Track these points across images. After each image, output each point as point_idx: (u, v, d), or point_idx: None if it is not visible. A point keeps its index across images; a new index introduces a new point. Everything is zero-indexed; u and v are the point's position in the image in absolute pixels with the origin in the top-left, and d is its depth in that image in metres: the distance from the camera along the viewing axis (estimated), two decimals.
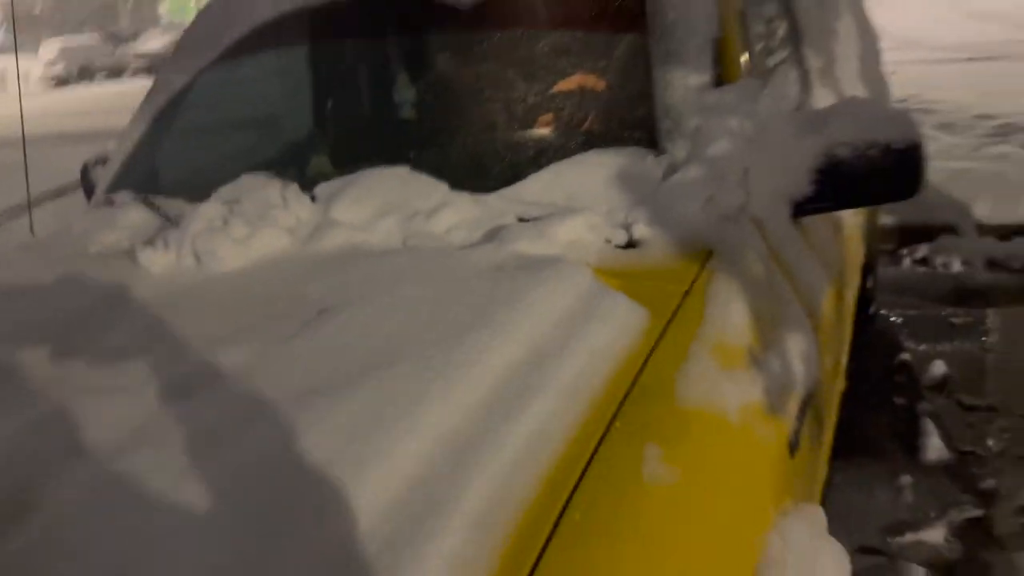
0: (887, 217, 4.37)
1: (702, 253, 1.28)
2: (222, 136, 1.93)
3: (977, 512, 2.42)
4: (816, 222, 1.64)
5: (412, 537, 0.71)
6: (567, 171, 1.39)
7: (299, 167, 1.67)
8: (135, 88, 24.71)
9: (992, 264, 4.10)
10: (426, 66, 1.74)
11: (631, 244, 1.30)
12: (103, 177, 1.99)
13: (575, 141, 1.49)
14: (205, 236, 1.32)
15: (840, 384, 1.89)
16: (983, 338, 3.44)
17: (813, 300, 1.40)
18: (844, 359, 1.99)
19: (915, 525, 2.38)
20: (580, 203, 1.33)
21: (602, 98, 1.60)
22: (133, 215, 1.66)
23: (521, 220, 1.31)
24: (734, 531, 0.91)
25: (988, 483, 2.54)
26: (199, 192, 1.54)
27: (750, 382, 1.07)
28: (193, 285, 1.28)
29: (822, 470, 1.51)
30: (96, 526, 0.77)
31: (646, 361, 1.02)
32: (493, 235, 1.29)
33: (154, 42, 33.67)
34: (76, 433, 0.89)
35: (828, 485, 2.55)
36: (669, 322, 1.10)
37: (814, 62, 2.13)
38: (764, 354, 1.14)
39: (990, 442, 2.74)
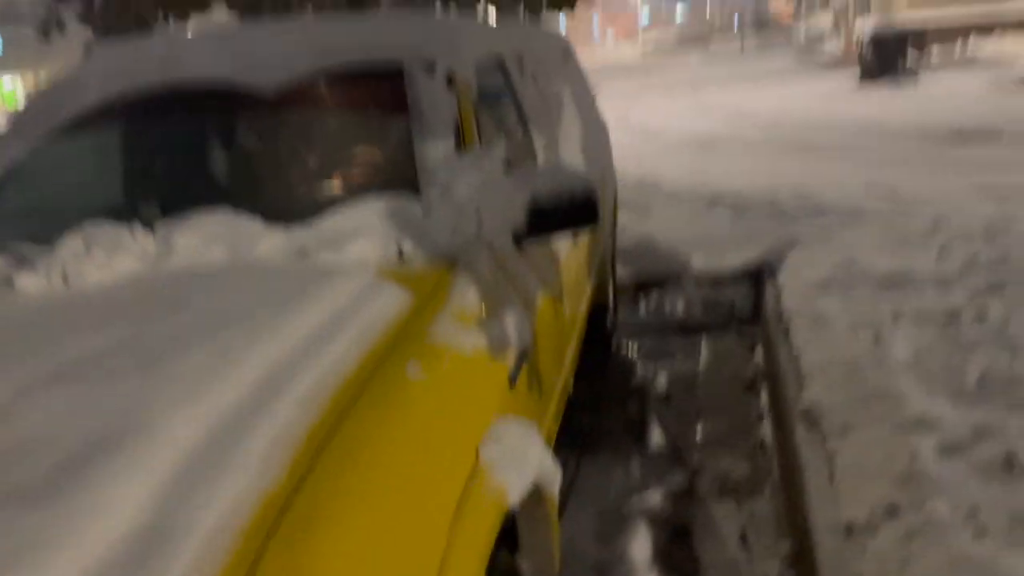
0: (627, 271, 5.29)
1: (450, 264, 1.86)
2: (55, 200, 2.28)
3: (684, 480, 3.14)
4: (537, 254, 2.28)
5: (250, 413, 1.20)
6: (354, 210, 1.93)
7: (129, 220, 2.07)
8: None
9: (706, 305, 5.08)
10: (240, 138, 2.24)
11: (402, 257, 1.86)
12: None
13: (359, 190, 2.04)
14: (72, 262, 1.72)
15: (565, 371, 2.52)
16: (696, 361, 4.32)
17: (529, 298, 2.03)
18: (569, 354, 2.64)
19: (640, 491, 3.06)
20: (364, 231, 1.87)
21: (377, 160, 2.17)
22: None
23: (320, 243, 1.83)
24: (464, 414, 1.47)
25: (695, 460, 3.29)
26: (40, 241, 1.92)
27: (477, 336, 1.65)
28: (65, 297, 1.67)
29: (545, 423, 2.10)
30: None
31: (407, 320, 1.56)
32: (300, 253, 1.80)
33: None
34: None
35: (577, 470, 3.19)
36: (425, 301, 1.66)
37: (538, 143, 2.84)
38: (489, 323, 1.73)
39: (697, 435, 3.52)
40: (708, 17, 65.33)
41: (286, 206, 2.02)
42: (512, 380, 1.74)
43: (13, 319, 1.59)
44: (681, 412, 3.72)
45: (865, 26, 17.23)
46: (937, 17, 18.45)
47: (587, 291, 3.24)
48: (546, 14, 7.82)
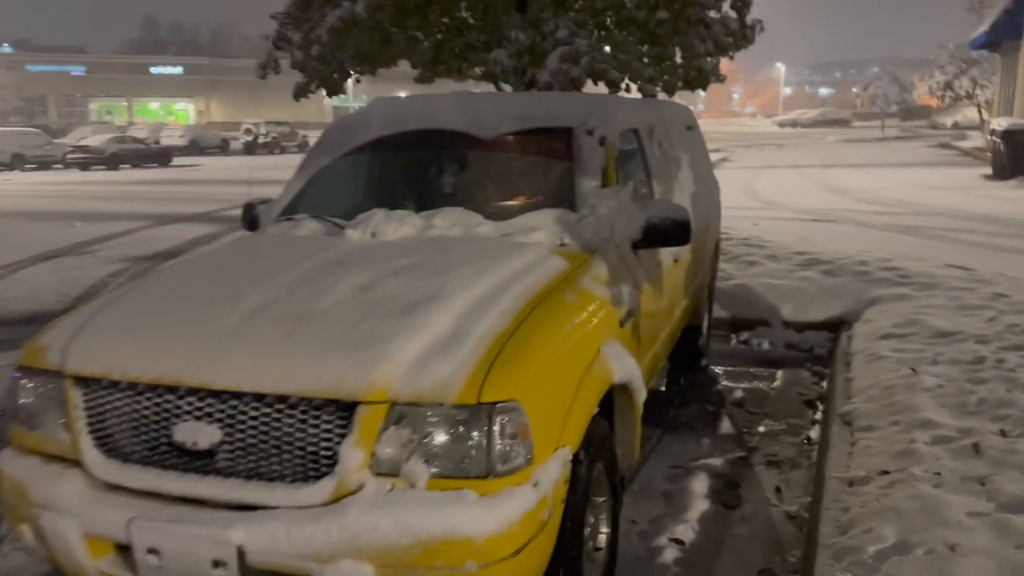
0: (723, 312, 6.30)
1: (592, 252, 3.02)
2: (348, 192, 3.61)
3: (742, 454, 4.14)
4: (647, 261, 3.41)
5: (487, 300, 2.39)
6: (538, 215, 3.11)
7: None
8: (64, 178, 25.91)
9: (788, 346, 6.02)
10: (467, 166, 3.51)
11: (563, 245, 3.03)
12: (269, 210, 3.61)
13: (538, 204, 3.25)
14: (379, 225, 2.99)
15: (656, 346, 3.61)
16: (771, 383, 5.28)
17: (637, 282, 3.16)
18: (661, 338, 3.73)
19: (706, 458, 4.08)
20: (541, 227, 3.06)
21: (552, 187, 3.38)
22: (311, 224, 3.30)
23: (515, 231, 3.03)
24: (595, 325, 2.61)
25: (752, 443, 4.28)
26: (343, 216, 3.22)
27: (605, 290, 2.80)
28: (375, 243, 2.94)
29: (641, 365, 3.20)
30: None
31: (566, 274, 2.73)
32: (506, 235, 3.00)
33: (91, 140, 34.72)
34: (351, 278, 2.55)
35: (660, 439, 4.23)
36: (575, 267, 2.82)
37: (657, 189, 3.98)
38: (610, 286, 2.88)
39: (759, 428, 4.51)
40: (852, 100, 65.14)
41: (493, 210, 3.25)
42: (621, 324, 2.87)
43: (353, 250, 2.86)
44: (749, 414, 4.72)
45: (999, 124, 17.52)
46: None
47: (682, 304, 4.32)
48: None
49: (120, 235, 12.16)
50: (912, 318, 5.50)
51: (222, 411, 2.16)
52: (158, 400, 2.21)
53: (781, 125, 69.34)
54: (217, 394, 2.16)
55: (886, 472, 3.35)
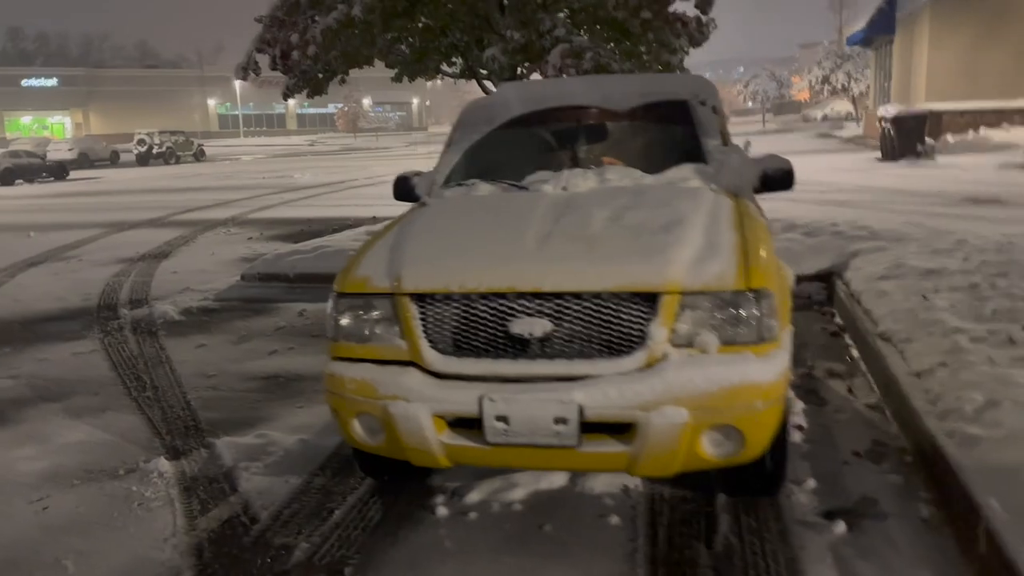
0: None
1: (735, 194, 3.77)
2: (506, 160, 4.23)
3: (806, 370, 4.99)
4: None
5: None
6: (681, 169, 3.83)
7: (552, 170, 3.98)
8: None
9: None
10: (608, 132, 4.20)
11: (713, 189, 3.76)
12: (427, 181, 4.18)
13: (673, 161, 3.96)
14: (569, 180, 3.65)
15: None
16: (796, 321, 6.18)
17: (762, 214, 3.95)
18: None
19: None
20: (692, 177, 3.78)
21: (682, 147, 4.11)
22: (486, 187, 3.91)
23: (675, 180, 3.75)
24: (767, 230, 3.38)
25: (809, 362, 5.14)
26: (502, 179, 3.86)
27: (762, 218, 3.57)
28: (571, 194, 3.58)
29: None
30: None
31: (740, 208, 3.46)
32: (669, 182, 3.72)
33: None
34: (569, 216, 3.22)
35: None
36: (739, 203, 3.56)
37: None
38: (760, 216, 3.64)
39: (807, 353, 5.38)
40: (733, 97, 68.93)
41: (641, 165, 3.96)
42: None
43: (562, 199, 3.48)
44: (797, 345, 5.57)
45: (887, 111, 19.43)
46: (952, 108, 20.71)
47: None
48: None
49: (86, 242, 12.10)
50: (897, 263, 6.53)
51: (550, 307, 2.78)
52: (492, 304, 2.81)
53: None
54: (544, 295, 2.78)
55: (944, 364, 4.25)
